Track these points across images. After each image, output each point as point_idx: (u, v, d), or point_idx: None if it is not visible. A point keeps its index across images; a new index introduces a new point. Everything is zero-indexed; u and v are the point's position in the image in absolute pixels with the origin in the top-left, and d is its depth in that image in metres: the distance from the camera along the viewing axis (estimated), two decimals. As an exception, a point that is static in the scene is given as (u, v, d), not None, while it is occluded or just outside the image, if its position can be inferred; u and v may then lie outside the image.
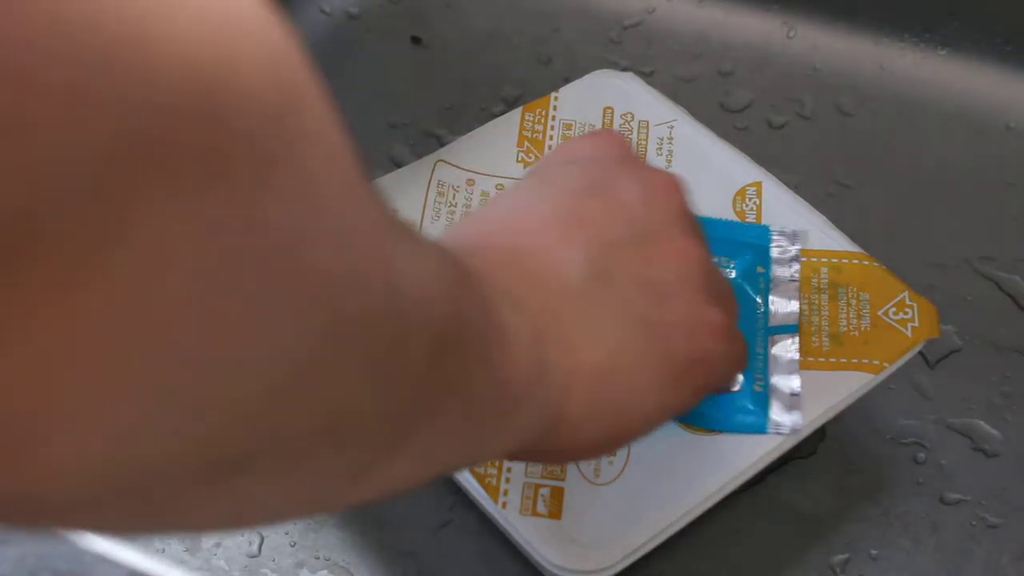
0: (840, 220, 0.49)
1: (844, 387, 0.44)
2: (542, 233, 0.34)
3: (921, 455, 0.50)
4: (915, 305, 0.46)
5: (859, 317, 0.46)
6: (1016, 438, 0.51)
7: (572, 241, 0.34)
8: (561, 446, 0.33)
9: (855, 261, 0.47)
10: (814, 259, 0.48)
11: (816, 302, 0.47)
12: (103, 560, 0.40)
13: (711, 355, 0.36)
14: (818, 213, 0.49)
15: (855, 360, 0.45)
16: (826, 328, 0.46)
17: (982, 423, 0.51)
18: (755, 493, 0.49)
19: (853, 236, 0.49)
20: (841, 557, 0.48)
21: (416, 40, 0.67)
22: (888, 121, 0.62)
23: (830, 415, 0.44)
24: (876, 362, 0.45)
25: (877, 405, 0.51)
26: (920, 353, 0.47)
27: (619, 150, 0.39)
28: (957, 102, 0.63)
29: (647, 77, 0.58)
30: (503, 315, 0.30)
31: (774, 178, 0.50)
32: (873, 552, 0.48)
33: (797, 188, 0.51)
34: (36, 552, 0.40)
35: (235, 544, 0.49)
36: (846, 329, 0.46)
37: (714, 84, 0.64)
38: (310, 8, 0.67)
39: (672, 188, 0.38)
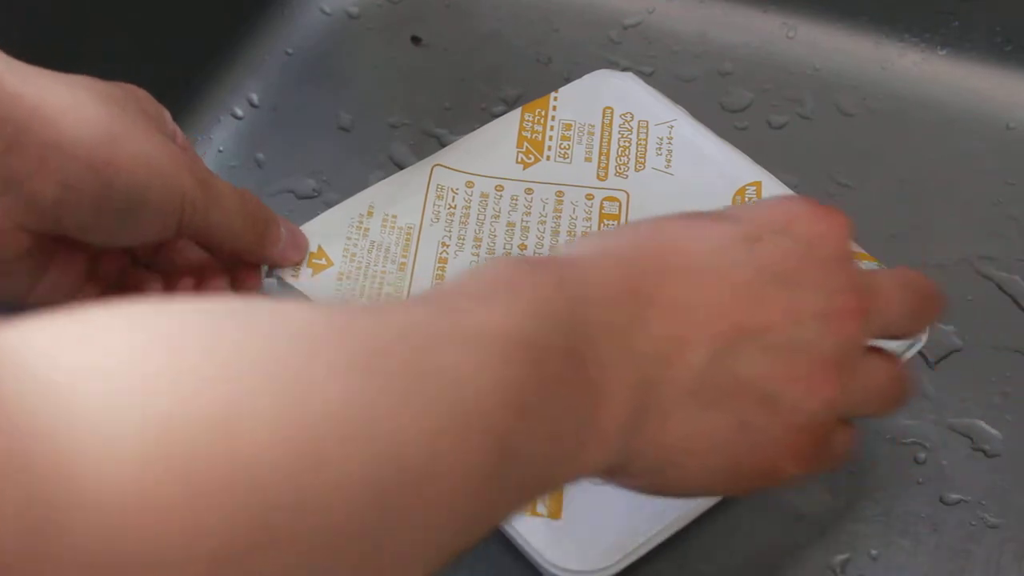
0: (840, 220, 0.49)
1: None
2: (707, 299, 0.34)
3: (921, 455, 0.50)
4: None
5: None
6: (1016, 438, 0.51)
7: (728, 325, 0.34)
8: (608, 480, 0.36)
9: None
10: None
11: None
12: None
13: (783, 476, 0.36)
14: None
15: None
16: None
17: (982, 423, 0.51)
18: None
19: (853, 236, 0.49)
20: (841, 557, 0.48)
21: (416, 40, 0.67)
22: (888, 121, 0.62)
23: None
24: None
25: (877, 405, 0.51)
26: (920, 353, 0.47)
27: (837, 248, 0.37)
28: (957, 102, 0.63)
29: (647, 77, 0.58)
30: (607, 377, 0.31)
31: (774, 178, 0.50)
32: (873, 552, 0.48)
33: (797, 188, 0.51)
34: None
35: (235, 544, 0.49)
36: None
37: (714, 84, 0.64)
38: (310, 8, 0.67)
39: (854, 318, 0.36)
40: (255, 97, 0.64)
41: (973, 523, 0.49)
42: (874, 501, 0.49)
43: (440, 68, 0.65)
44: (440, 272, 0.48)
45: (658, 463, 0.34)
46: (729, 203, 0.50)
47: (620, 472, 0.34)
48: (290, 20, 0.66)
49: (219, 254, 0.46)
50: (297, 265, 0.47)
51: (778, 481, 0.36)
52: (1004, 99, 0.62)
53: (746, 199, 0.49)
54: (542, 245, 0.49)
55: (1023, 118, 0.62)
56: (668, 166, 0.51)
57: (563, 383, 0.30)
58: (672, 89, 0.56)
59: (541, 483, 0.31)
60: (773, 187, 0.50)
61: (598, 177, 0.51)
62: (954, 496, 0.49)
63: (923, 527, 0.49)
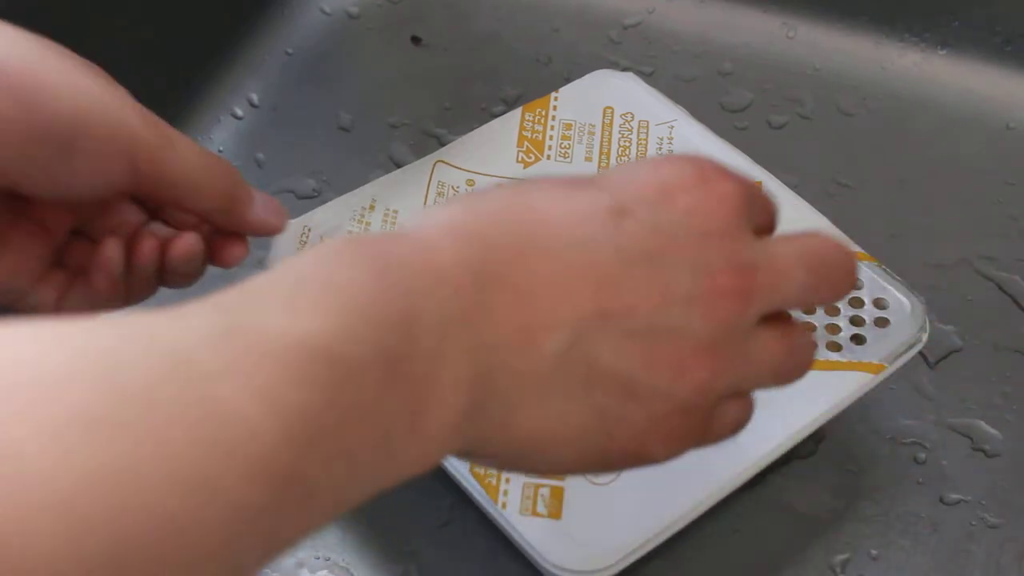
0: (840, 220, 0.49)
1: (844, 387, 0.44)
2: (564, 281, 0.31)
3: (921, 455, 0.50)
4: (915, 305, 0.46)
5: (858, 316, 0.46)
6: (1016, 438, 0.51)
7: (586, 310, 0.31)
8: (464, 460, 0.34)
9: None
10: None
11: None
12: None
13: (651, 458, 0.34)
14: (818, 213, 0.49)
15: (855, 360, 0.45)
16: (825, 328, 0.46)
17: (982, 423, 0.51)
18: (755, 493, 0.49)
19: (853, 236, 0.49)
20: (841, 557, 0.48)
21: (416, 40, 0.67)
22: (888, 121, 0.62)
23: (830, 415, 0.44)
24: (876, 362, 0.45)
25: (877, 405, 0.51)
26: (920, 353, 0.47)
27: (718, 220, 0.33)
28: (957, 102, 0.63)
29: (647, 77, 0.58)
30: (436, 376, 0.29)
31: (774, 178, 0.50)
32: (873, 552, 0.48)
33: (797, 188, 0.51)
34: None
35: (235, 544, 0.49)
36: (846, 329, 0.46)
37: (714, 84, 0.64)
38: (310, 8, 0.67)
39: (732, 298, 0.32)
40: (255, 97, 0.64)
41: (973, 523, 0.49)
42: (874, 501, 0.49)
43: (440, 68, 0.65)
44: None
45: (511, 451, 0.32)
46: None
47: (472, 455, 0.32)
48: (290, 20, 0.66)
49: (187, 214, 0.41)
50: (277, 233, 0.45)
51: (653, 462, 0.33)
52: (1004, 99, 0.62)
53: None
54: None
55: (1023, 118, 0.62)
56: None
57: (374, 394, 0.27)
58: (672, 89, 0.56)
59: (349, 496, 0.28)
60: (773, 187, 0.50)
61: None
62: (954, 496, 0.49)
63: (923, 527, 0.49)
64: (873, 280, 0.47)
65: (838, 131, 0.62)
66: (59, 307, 0.41)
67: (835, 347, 0.46)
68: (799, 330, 0.35)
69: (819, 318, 0.46)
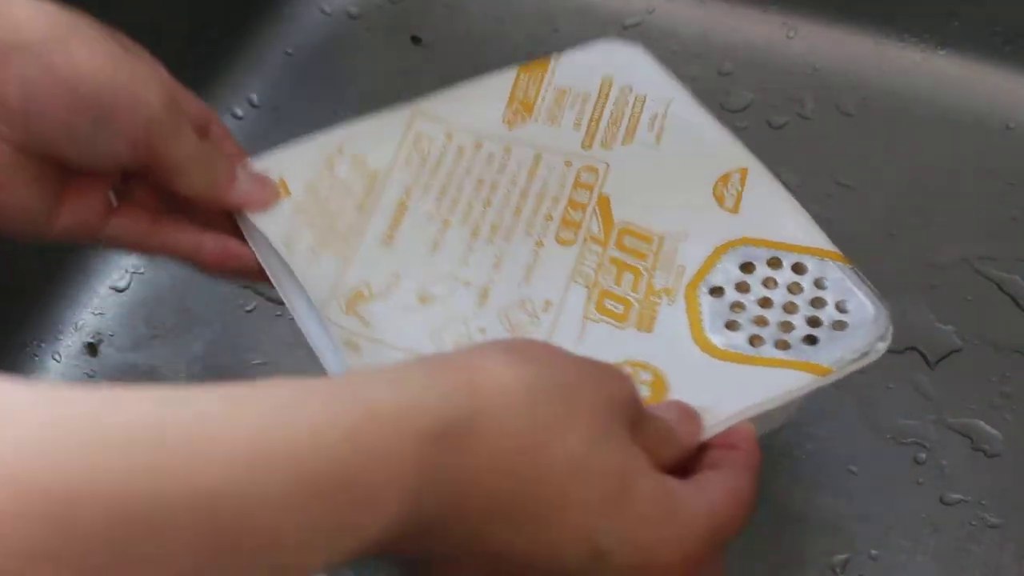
0: (840, 220, 0.49)
1: (783, 384, 0.41)
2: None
3: (921, 455, 0.50)
4: (879, 312, 0.43)
5: (815, 317, 0.43)
6: (1016, 438, 0.51)
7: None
8: None
9: (827, 260, 0.45)
10: (783, 252, 0.45)
11: (773, 297, 0.44)
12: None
13: None
14: (800, 207, 0.46)
15: (800, 360, 0.42)
16: (779, 326, 0.43)
17: (982, 423, 0.51)
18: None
19: (853, 236, 0.48)
20: (841, 557, 0.48)
21: (416, 40, 0.67)
22: (888, 121, 0.62)
23: (759, 410, 0.41)
24: (823, 364, 0.42)
25: (877, 405, 0.51)
26: (920, 353, 0.47)
27: None
28: (957, 102, 0.63)
29: (647, 77, 0.57)
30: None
31: (764, 167, 0.48)
32: (873, 552, 0.48)
33: (797, 188, 0.50)
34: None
35: (234, 544, 0.49)
36: (800, 328, 0.43)
37: (714, 84, 0.64)
38: (310, 8, 0.67)
39: None
40: (255, 97, 0.64)
41: (973, 523, 0.49)
42: (874, 501, 0.49)
43: (440, 68, 0.65)
44: (398, 218, 0.47)
45: None
46: (710, 187, 0.47)
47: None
48: (290, 20, 0.66)
49: (176, 197, 0.44)
50: (265, 207, 0.45)
51: None
52: (1004, 99, 0.62)
53: (728, 184, 0.47)
54: (507, 204, 0.47)
55: (1023, 118, 0.62)
56: (657, 143, 0.49)
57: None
58: (672, 89, 0.55)
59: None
60: (760, 176, 0.47)
61: (583, 145, 0.49)
62: (954, 496, 0.49)
63: (923, 527, 0.49)
64: (840, 282, 0.44)
65: (838, 131, 0.62)
66: (134, 237, 0.44)
67: (783, 345, 0.43)
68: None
69: (774, 312, 0.43)
